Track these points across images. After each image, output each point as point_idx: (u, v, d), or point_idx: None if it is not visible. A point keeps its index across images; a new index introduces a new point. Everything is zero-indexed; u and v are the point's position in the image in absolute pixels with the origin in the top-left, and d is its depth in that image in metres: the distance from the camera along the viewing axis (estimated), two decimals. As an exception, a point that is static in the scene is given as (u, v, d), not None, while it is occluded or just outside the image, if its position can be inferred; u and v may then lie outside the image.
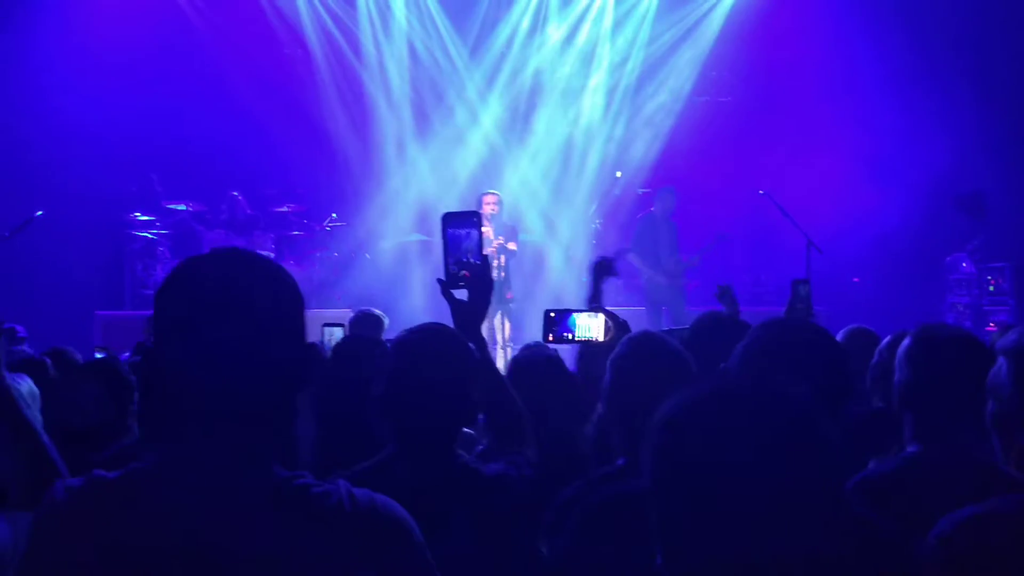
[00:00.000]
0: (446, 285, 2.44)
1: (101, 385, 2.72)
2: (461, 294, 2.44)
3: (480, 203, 8.76)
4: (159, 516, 1.28)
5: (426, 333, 2.24)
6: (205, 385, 1.32)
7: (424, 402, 2.13)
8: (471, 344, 2.28)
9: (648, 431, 1.28)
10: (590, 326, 3.34)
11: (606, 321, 3.29)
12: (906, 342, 2.27)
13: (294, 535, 1.30)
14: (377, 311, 5.32)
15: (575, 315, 3.53)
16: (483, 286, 2.43)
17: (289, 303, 1.40)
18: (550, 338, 3.56)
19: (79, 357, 4.17)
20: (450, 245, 2.43)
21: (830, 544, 1.20)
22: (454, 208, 2.74)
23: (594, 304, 3.08)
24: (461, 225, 2.44)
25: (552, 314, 3.56)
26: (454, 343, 2.22)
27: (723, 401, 1.27)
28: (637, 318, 7.78)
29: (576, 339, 3.23)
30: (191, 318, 1.33)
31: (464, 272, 2.41)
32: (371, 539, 1.34)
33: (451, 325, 2.37)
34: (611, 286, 10.11)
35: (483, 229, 8.10)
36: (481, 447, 2.49)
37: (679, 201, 9.39)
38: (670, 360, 2.43)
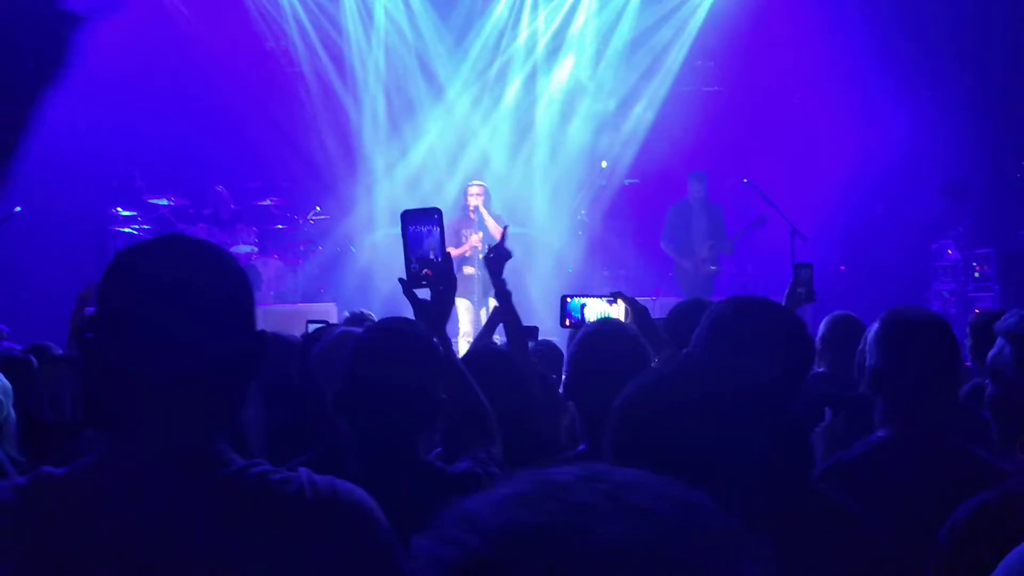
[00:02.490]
0: (408, 284, 2.39)
1: (77, 378, 2.68)
2: (424, 293, 2.41)
3: (465, 193, 8.74)
4: (109, 511, 1.25)
5: (387, 330, 2.17)
6: (150, 378, 1.29)
7: (383, 401, 2.04)
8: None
9: (609, 414, 1.26)
10: (607, 312, 3.37)
11: (626, 308, 3.32)
12: (875, 326, 2.25)
13: (251, 524, 1.27)
14: (369, 312, 5.29)
15: (590, 300, 3.57)
16: (446, 284, 2.38)
17: (235, 291, 1.36)
18: (567, 323, 3.59)
19: (60, 353, 4.13)
20: (411, 243, 2.38)
21: (795, 523, 1.17)
22: (423, 204, 2.69)
23: (501, 297, 3.03)
24: (422, 222, 2.39)
25: (568, 299, 3.60)
26: (416, 340, 2.14)
27: (683, 382, 1.24)
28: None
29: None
30: (134, 308, 1.30)
31: (426, 271, 2.37)
32: (334, 527, 1.31)
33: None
34: (621, 276, 9.95)
35: (476, 217, 7.94)
36: (439, 449, 2.43)
37: (690, 186, 9.10)
38: (627, 346, 2.41)
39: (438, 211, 2.44)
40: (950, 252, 10.13)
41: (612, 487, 0.54)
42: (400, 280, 2.40)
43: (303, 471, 1.35)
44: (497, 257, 2.94)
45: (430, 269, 2.37)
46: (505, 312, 3.04)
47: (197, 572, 1.24)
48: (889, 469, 2.07)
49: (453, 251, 3.08)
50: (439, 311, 2.37)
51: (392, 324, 2.20)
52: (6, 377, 3.06)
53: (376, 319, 5.29)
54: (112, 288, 1.33)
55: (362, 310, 5.39)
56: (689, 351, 2.11)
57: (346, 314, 5.72)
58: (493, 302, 8.58)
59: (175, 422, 1.31)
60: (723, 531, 0.54)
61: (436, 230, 2.39)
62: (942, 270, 10.21)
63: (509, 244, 3.06)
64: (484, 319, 8.57)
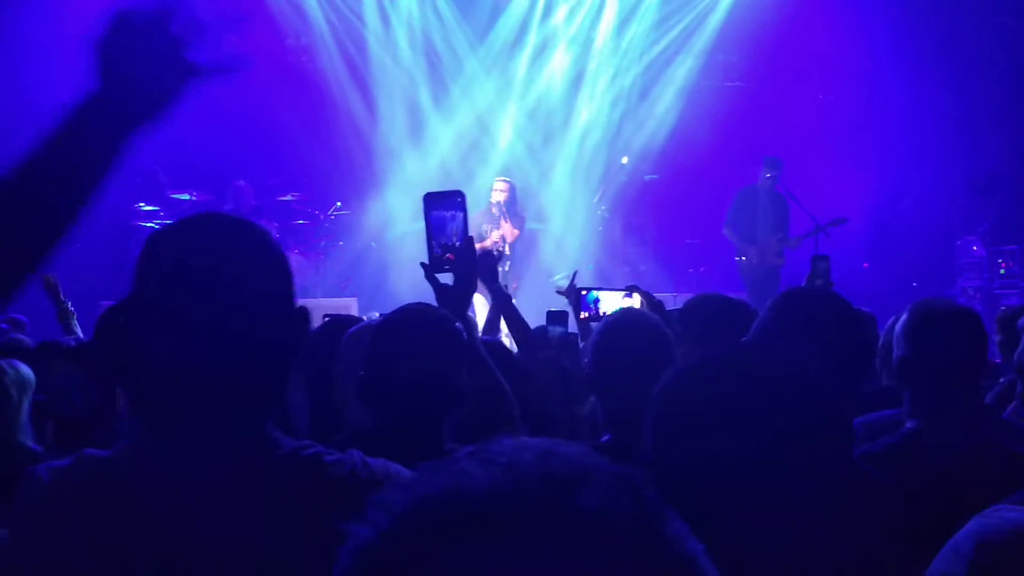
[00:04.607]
0: (429, 269, 2.36)
1: (86, 372, 2.68)
2: (446, 278, 2.38)
3: (489, 189, 8.72)
4: (157, 493, 1.22)
5: (410, 313, 2.13)
6: (192, 362, 1.25)
7: (407, 385, 1.99)
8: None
9: (651, 398, 1.22)
10: (623, 305, 3.38)
11: (642, 301, 3.33)
12: (903, 317, 2.22)
13: (305, 505, 1.24)
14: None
15: (606, 294, 3.58)
16: (468, 270, 2.35)
17: (274, 269, 1.33)
18: (583, 316, 3.61)
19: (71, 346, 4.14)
20: (434, 227, 2.35)
21: (839, 507, 1.13)
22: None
23: (499, 299, 3.04)
24: (445, 206, 2.36)
25: (584, 292, 3.62)
26: (439, 323, 2.10)
27: (728, 365, 1.20)
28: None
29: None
30: (171, 292, 1.26)
31: (448, 255, 2.34)
32: None
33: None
34: (640, 272, 9.89)
35: (498, 213, 7.92)
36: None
37: (693, 183, 9.00)
38: (650, 336, 2.37)
39: (461, 194, 2.40)
40: (975, 248, 10.03)
41: (489, 452, 0.62)
42: (422, 264, 2.37)
43: (355, 453, 1.32)
44: (487, 262, 2.92)
45: (452, 254, 2.34)
46: (507, 314, 3.03)
47: (249, 553, 1.21)
48: (920, 461, 2.03)
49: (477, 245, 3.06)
50: (461, 296, 2.34)
51: (414, 308, 2.16)
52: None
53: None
54: (147, 272, 1.29)
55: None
56: (747, 340, 2.08)
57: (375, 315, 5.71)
58: (512, 300, 8.61)
59: (221, 405, 1.28)
60: (566, 466, 0.60)
61: (459, 214, 2.35)
62: (967, 266, 10.11)
63: (528, 240, 3.06)
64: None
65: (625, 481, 0.62)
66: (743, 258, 8.62)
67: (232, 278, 1.27)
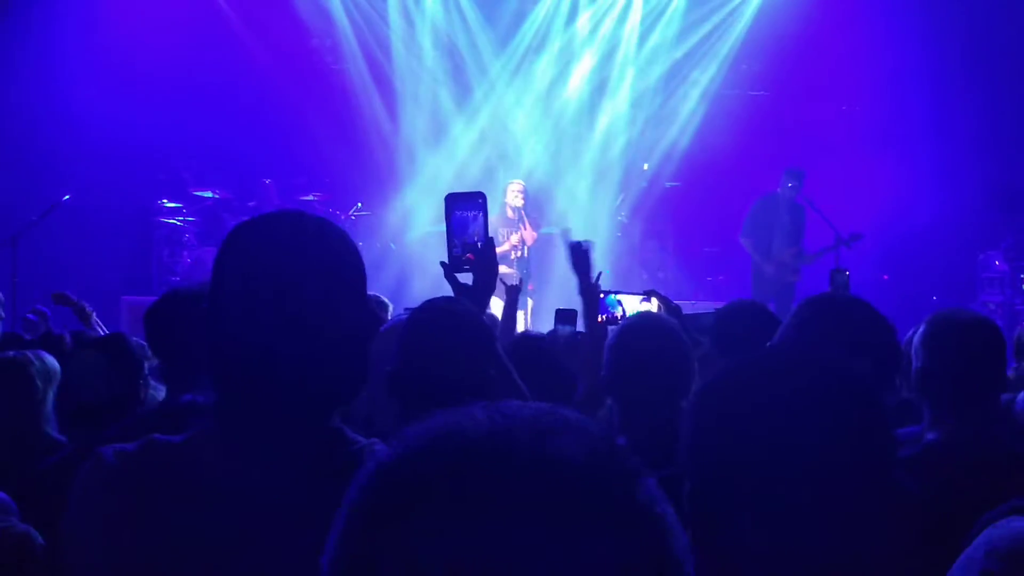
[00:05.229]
0: (450, 268, 2.39)
1: (109, 360, 2.72)
2: (465, 278, 2.40)
3: (505, 192, 8.73)
4: (223, 481, 1.23)
5: (439, 308, 2.17)
6: (269, 353, 1.27)
7: (437, 378, 2.02)
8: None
9: (688, 400, 1.21)
10: (639, 310, 3.39)
11: (659, 306, 3.33)
12: (921, 328, 2.21)
13: None
14: (382, 296, 5.29)
15: (624, 297, 3.59)
16: (488, 270, 2.38)
17: (350, 265, 1.35)
18: (600, 318, 3.62)
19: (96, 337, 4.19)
20: (455, 227, 2.37)
21: (875, 515, 1.11)
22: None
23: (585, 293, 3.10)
24: (467, 207, 2.38)
25: (602, 295, 3.63)
26: (468, 317, 2.14)
27: (773, 369, 1.17)
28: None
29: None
30: (252, 285, 1.29)
31: (468, 255, 2.36)
32: None
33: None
34: (659, 279, 9.80)
35: (515, 217, 7.94)
36: None
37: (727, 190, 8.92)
38: (667, 340, 2.38)
39: (482, 195, 2.43)
40: (997, 263, 9.95)
41: (499, 406, 0.72)
42: (442, 263, 2.39)
43: None
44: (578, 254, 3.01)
45: (473, 254, 2.36)
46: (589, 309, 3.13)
47: (313, 547, 1.21)
48: (938, 472, 2.02)
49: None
50: (480, 296, 2.36)
51: (444, 303, 2.19)
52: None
53: (385, 301, 5.31)
54: (227, 265, 1.32)
55: (374, 294, 5.38)
56: (774, 344, 2.07)
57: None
58: (531, 302, 8.62)
59: (295, 399, 1.29)
60: (555, 421, 0.70)
61: (480, 215, 2.38)
62: (989, 281, 10.03)
63: (545, 244, 3.10)
64: (521, 319, 8.61)
65: (608, 441, 0.71)
66: (764, 271, 8.50)
67: (310, 273, 1.29)
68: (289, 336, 1.27)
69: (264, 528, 1.21)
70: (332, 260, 1.32)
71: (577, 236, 10.43)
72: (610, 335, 2.47)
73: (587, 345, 3.20)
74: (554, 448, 0.67)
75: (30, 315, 5.28)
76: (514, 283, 3.02)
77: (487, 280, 2.39)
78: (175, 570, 1.21)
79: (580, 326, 4.19)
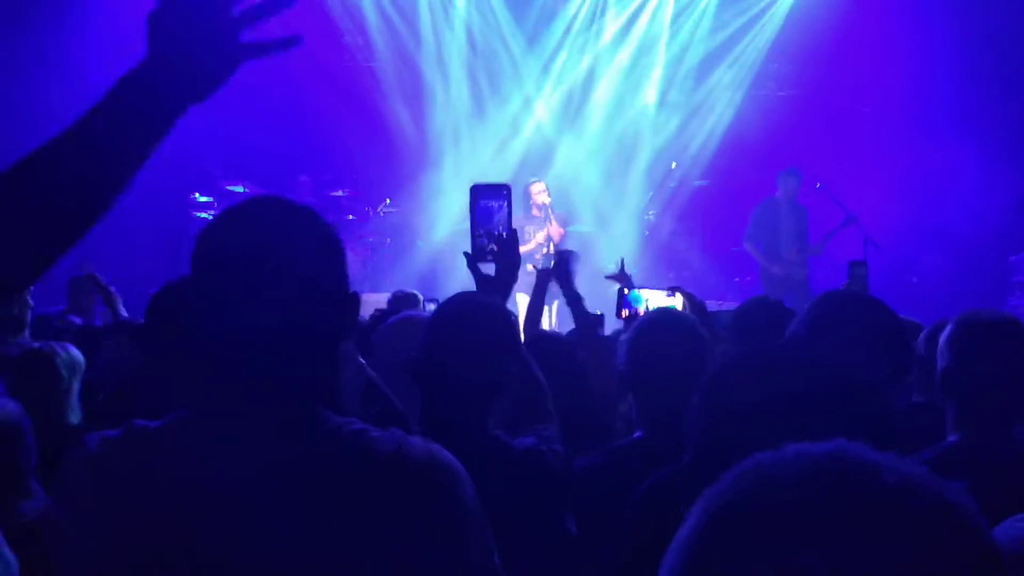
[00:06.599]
0: (473, 258, 2.41)
1: (134, 345, 2.77)
2: (488, 269, 2.42)
3: (527, 192, 8.73)
4: (203, 463, 1.25)
5: (467, 301, 2.18)
6: (241, 340, 1.29)
7: (460, 368, 2.04)
8: None
9: (695, 391, 1.22)
10: (662, 305, 3.40)
11: (684, 302, 3.35)
12: (948, 328, 2.19)
13: (347, 480, 1.26)
14: (415, 291, 5.36)
15: (648, 293, 3.61)
16: (511, 260, 2.39)
17: (325, 251, 1.35)
18: (624, 314, 3.64)
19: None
20: (479, 217, 2.40)
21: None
22: None
23: (573, 301, 3.11)
24: (492, 197, 2.41)
25: (625, 291, 3.66)
26: (495, 311, 2.14)
27: (782, 361, 1.18)
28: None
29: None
30: (223, 271, 1.30)
31: (492, 246, 2.38)
32: (429, 488, 1.29)
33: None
34: (686, 278, 9.81)
35: (541, 215, 7.95)
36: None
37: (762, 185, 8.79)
38: (686, 335, 2.39)
39: (508, 187, 2.46)
40: (1029, 267, 9.82)
41: (761, 460, 0.70)
42: (465, 253, 2.42)
43: (396, 431, 1.34)
44: (560, 264, 2.99)
45: (496, 244, 2.38)
46: (577, 311, 3.08)
47: (289, 526, 1.23)
48: (963, 474, 2.00)
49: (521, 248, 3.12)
50: (502, 287, 2.38)
51: (472, 296, 2.21)
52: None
53: (417, 295, 5.37)
54: (202, 252, 1.33)
55: (407, 289, 5.45)
56: (784, 341, 2.08)
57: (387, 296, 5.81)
58: (556, 303, 8.61)
59: (267, 382, 1.31)
60: (847, 454, 0.67)
61: (505, 205, 2.41)
62: (1019, 285, 9.90)
63: (573, 243, 3.12)
64: (545, 319, 8.60)
65: (909, 461, 0.68)
66: (771, 271, 8.58)
67: (278, 259, 1.29)
68: (252, 321, 1.28)
69: (238, 509, 1.22)
70: (300, 247, 1.32)
71: (603, 235, 10.39)
72: (628, 330, 2.48)
73: (586, 350, 3.22)
74: (874, 482, 0.65)
75: (57, 323, 5.30)
76: (547, 267, 3.08)
77: (509, 271, 2.41)
78: (159, 555, 1.22)
79: (606, 331, 4.21)
